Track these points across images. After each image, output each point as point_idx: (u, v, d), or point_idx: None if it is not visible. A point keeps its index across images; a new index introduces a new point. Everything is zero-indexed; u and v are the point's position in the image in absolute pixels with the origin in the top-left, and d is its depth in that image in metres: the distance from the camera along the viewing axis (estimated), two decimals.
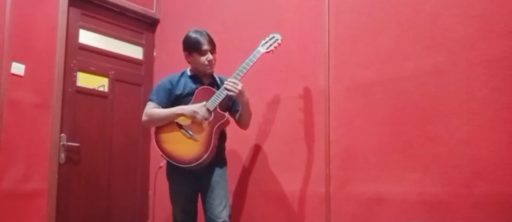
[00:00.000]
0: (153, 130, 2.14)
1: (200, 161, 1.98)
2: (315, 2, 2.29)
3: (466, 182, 1.66)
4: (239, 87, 1.97)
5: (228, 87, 1.97)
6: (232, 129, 2.31)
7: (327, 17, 2.22)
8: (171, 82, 2.16)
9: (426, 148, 1.78)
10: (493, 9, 1.65)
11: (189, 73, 2.19)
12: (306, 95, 2.27)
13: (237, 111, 2.19)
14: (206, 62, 2.10)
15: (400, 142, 1.87)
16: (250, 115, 2.17)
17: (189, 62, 2.20)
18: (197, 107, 2.02)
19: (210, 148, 1.98)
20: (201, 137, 2.01)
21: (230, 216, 2.08)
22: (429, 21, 1.84)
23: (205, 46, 2.09)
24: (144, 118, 2.12)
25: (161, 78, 3.32)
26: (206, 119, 2.01)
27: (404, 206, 1.83)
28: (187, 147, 2.02)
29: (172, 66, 3.22)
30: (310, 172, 2.20)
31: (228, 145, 2.31)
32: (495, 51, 1.63)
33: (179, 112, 2.04)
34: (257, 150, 2.49)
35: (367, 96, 2.02)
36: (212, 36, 2.15)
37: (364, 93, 2.03)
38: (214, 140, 2.00)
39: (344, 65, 2.13)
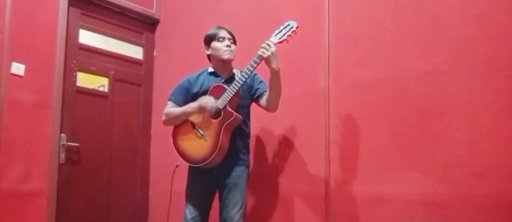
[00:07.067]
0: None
1: (208, 160, 1.98)
2: (315, 2, 2.29)
3: (466, 182, 1.66)
4: (272, 49, 1.89)
5: (263, 46, 1.91)
6: None
7: (327, 17, 2.22)
8: (189, 81, 2.20)
9: (426, 148, 1.78)
10: (493, 9, 1.65)
11: (209, 70, 2.21)
12: (306, 95, 2.27)
13: (261, 94, 2.13)
14: (225, 47, 2.12)
15: (400, 142, 1.87)
16: (279, 90, 2.02)
17: (209, 59, 2.22)
18: (202, 101, 2.03)
19: (217, 148, 1.97)
20: (210, 137, 2.01)
21: (243, 217, 2.07)
22: (429, 21, 1.84)
23: (222, 34, 2.14)
24: (163, 117, 2.19)
25: (161, 78, 3.35)
26: (213, 109, 2.00)
27: (404, 206, 1.83)
28: (197, 147, 2.03)
29: (172, 66, 3.24)
30: (310, 172, 2.20)
31: None
32: (495, 51, 1.63)
33: (189, 110, 2.07)
34: (257, 150, 2.49)
35: (367, 96, 2.02)
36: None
37: (364, 93, 2.03)
38: (222, 140, 1.98)
39: (344, 65, 2.13)
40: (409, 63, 1.88)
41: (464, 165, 1.67)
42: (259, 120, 2.44)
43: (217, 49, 2.13)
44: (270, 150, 2.42)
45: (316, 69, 2.24)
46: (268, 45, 1.90)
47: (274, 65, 1.90)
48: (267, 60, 1.89)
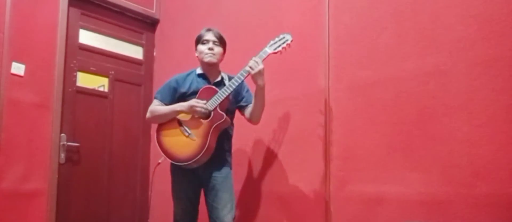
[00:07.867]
0: (155, 127, 2.16)
1: (194, 159, 1.98)
2: (315, 2, 2.30)
3: (466, 182, 1.66)
4: (260, 67, 1.96)
5: (251, 64, 1.97)
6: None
7: (327, 17, 2.22)
8: (177, 81, 2.20)
9: (426, 147, 1.78)
10: (493, 9, 1.65)
11: (197, 72, 2.21)
12: (306, 95, 2.27)
13: (246, 105, 2.16)
14: (206, 50, 2.13)
15: (400, 142, 1.87)
16: (263, 105, 2.09)
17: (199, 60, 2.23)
18: (194, 101, 2.03)
19: (205, 148, 1.97)
20: (198, 136, 2.01)
21: (234, 218, 2.07)
22: (429, 21, 1.84)
23: (206, 37, 2.15)
24: (147, 114, 2.19)
25: (161, 78, 3.34)
26: (204, 111, 2.00)
27: (404, 206, 1.83)
28: (183, 145, 2.03)
29: (172, 66, 3.23)
30: (310, 172, 2.20)
31: None
32: (495, 51, 1.63)
33: (178, 109, 2.07)
34: (257, 150, 2.49)
35: (367, 96, 2.02)
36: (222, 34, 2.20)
37: (364, 93, 2.03)
38: (210, 140, 1.99)
39: (344, 65, 2.13)
40: (409, 63, 1.88)
41: (464, 165, 1.67)
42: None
43: (200, 52, 2.16)
44: (270, 150, 2.42)
45: (316, 69, 2.24)
46: (256, 62, 1.97)
47: (259, 82, 1.99)
48: (254, 77, 1.97)
